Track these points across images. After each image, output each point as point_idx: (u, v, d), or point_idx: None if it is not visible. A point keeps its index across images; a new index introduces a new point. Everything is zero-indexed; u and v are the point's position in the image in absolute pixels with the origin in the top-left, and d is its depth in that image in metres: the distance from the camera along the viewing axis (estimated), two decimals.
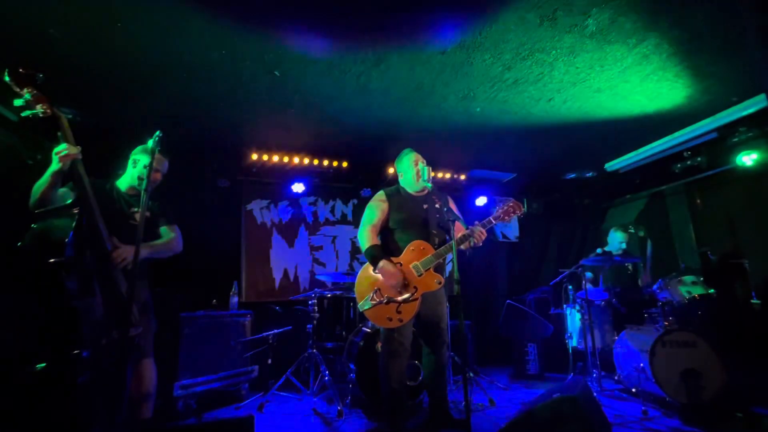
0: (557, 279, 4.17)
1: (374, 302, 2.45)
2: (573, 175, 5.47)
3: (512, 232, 6.07)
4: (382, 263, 2.44)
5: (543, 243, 6.10)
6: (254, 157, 4.32)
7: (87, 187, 1.86)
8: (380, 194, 2.75)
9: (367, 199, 2.82)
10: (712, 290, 3.52)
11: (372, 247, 2.52)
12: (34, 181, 1.90)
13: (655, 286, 3.85)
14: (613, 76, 3.06)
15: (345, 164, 4.71)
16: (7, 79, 1.73)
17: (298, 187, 4.72)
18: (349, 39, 2.60)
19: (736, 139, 3.94)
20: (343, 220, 5.28)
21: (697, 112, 3.70)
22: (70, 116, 2.73)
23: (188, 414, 3.19)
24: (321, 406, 3.33)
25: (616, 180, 5.35)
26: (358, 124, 3.78)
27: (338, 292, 3.90)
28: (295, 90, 3.16)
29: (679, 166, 4.49)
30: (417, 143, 3.26)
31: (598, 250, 4.11)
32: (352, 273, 3.68)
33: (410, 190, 2.76)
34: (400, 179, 2.82)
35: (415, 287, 2.45)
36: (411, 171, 2.71)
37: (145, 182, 1.85)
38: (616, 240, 4.32)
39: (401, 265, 2.49)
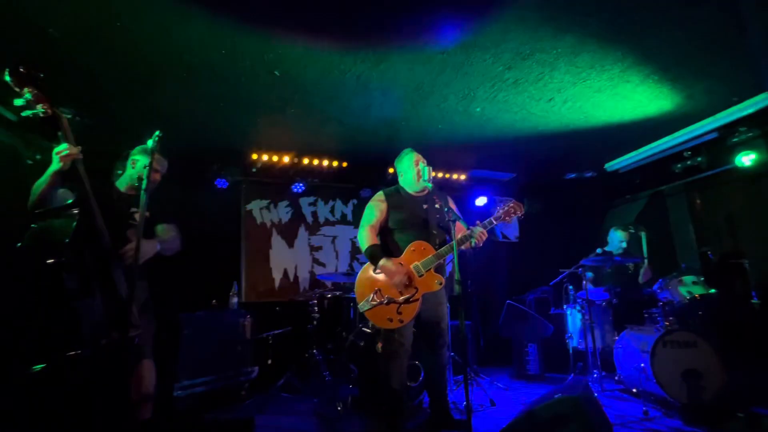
0: (557, 279, 4.17)
1: (374, 303, 2.44)
2: (573, 175, 5.47)
3: (512, 232, 6.07)
4: (382, 261, 2.44)
5: (543, 243, 6.09)
6: (254, 157, 4.32)
7: (87, 188, 1.86)
8: (379, 194, 2.74)
9: (366, 200, 2.81)
10: (712, 290, 3.53)
11: (372, 247, 2.51)
12: (34, 181, 1.90)
13: (655, 286, 3.85)
14: (614, 75, 3.06)
15: (345, 164, 4.71)
16: (7, 78, 1.72)
17: (297, 188, 4.72)
18: (349, 39, 2.60)
19: (736, 139, 3.94)
20: (343, 220, 5.28)
21: (698, 112, 3.70)
22: (70, 116, 2.72)
23: (188, 414, 3.18)
24: (321, 407, 3.33)
25: (616, 180, 5.35)
26: (358, 124, 3.78)
27: (338, 293, 3.89)
28: (295, 90, 3.16)
29: (679, 166, 4.48)
30: (417, 143, 3.26)
31: (598, 250, 4.11)
32: (352, 273, 3.67)
33: (410, 190, 2.75)
34: (400, 179, 2.81)
35: (415, 288, 2.44)
36: (411, 171, 2.70)
37: (144, 182, 1.85)
38: (617, 239, 4.31)
39: (402, 265, 2.48)
